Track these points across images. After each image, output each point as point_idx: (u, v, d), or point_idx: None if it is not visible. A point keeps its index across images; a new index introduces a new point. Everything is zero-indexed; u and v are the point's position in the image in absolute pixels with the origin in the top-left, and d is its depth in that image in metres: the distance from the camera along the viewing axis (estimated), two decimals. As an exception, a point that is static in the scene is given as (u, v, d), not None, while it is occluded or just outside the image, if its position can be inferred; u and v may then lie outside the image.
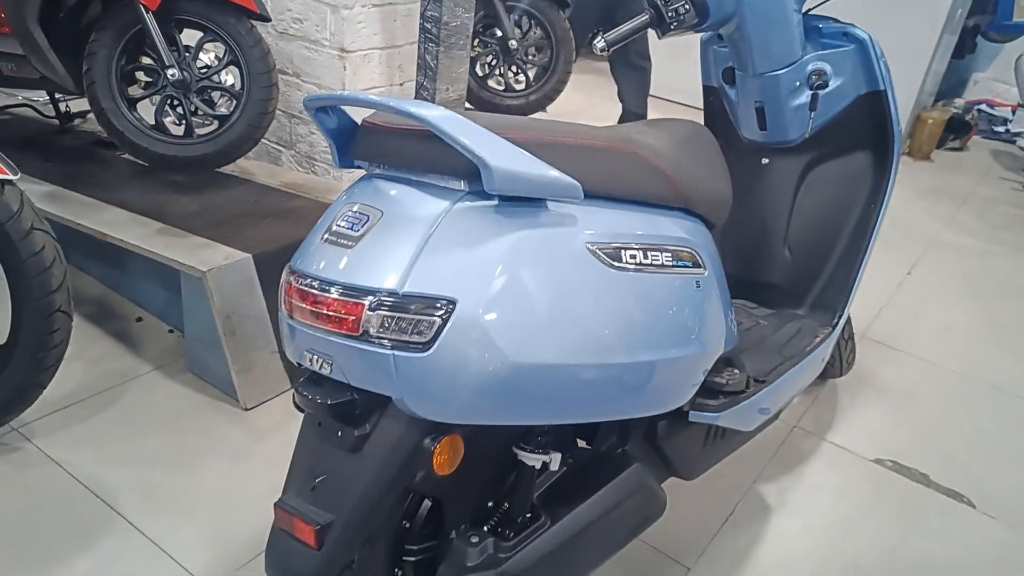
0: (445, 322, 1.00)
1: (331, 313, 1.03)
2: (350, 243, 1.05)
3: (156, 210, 2.17)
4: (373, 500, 1.09)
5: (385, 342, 1.01)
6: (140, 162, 2.41)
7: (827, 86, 1.76)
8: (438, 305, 1.00)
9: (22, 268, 1.58)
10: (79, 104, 2.90)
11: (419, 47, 2.58)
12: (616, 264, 1.14)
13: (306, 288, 1.06)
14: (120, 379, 2.04)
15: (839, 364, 2.23)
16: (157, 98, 2.29)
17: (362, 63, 2.61)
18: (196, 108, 2.29)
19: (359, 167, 1.25)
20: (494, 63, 3.16)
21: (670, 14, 1.63)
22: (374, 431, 1.09)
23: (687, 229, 1.31)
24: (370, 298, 1.01)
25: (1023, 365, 2.55)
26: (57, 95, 2.82)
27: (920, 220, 3.69)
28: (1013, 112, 5.20)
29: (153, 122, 2.28)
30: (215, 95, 2.37)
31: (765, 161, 1.98)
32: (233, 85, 2.35)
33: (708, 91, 2.04)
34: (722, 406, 1.43)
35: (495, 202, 1.07)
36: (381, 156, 1.15)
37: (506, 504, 1.27)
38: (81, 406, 1.92)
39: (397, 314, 1.00)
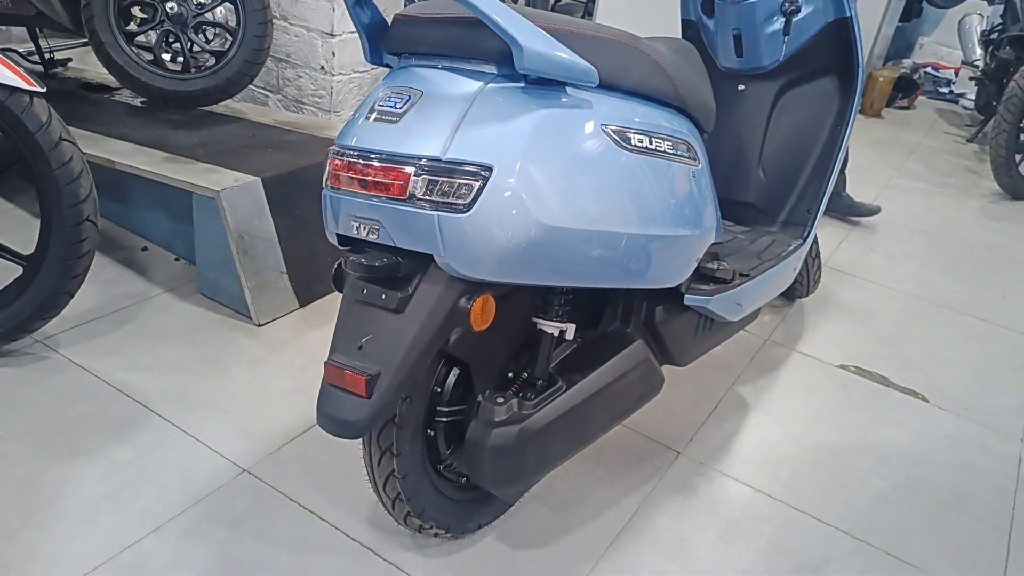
0: (483, 186, 1.13)
1: (380, 180, 1.16)
2: (394, 119, 1.17)
3: (158, 142, 2.24)
4: (417, 353, 1.21)
5: (429, 204, 1.13)
6: (132, 103, 2.47)
7: (800, 11, 1.92)
8: (476, 170, 1.13)
9: (52, 178, 1.65)
10: (61, 55, 2.94)
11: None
12: (626, 146, 1.28)
13: (354, 160, 1.18)
14: (133, 300, 2.12)
15: (807, 282, 2.42)
16: (154, 34, 2.35)
17: (350, 6, 2.69)
18: (192, 44, 2.36)
19: (388, 65, 1.37)
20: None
21: None
22: (415, 292, 1.22)
23: (684, 126, 1.46)
24: (415, 164, 1.13)
25: (968, 287, 2.78)
26: (42, 35, 2.84)
27: (874, 167, 3.93)
28: (956, 74, 5.49)
29: (151, 57, 2.34)
30: (211, 32, 2.44)
31: (741, 87, 2.14)
32: (228, 21, 2.42)
33: (687, 24, 2.19)
34: (713, 291, 1.59)
35: (522, 84, 1.20)
36: (415, 45, 1.27)
37: (526, 372, 1.42)
38: (99, 322, 2.01)
39: (440, 178, 1.13)
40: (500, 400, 1.33)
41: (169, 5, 2.27)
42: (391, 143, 1.16)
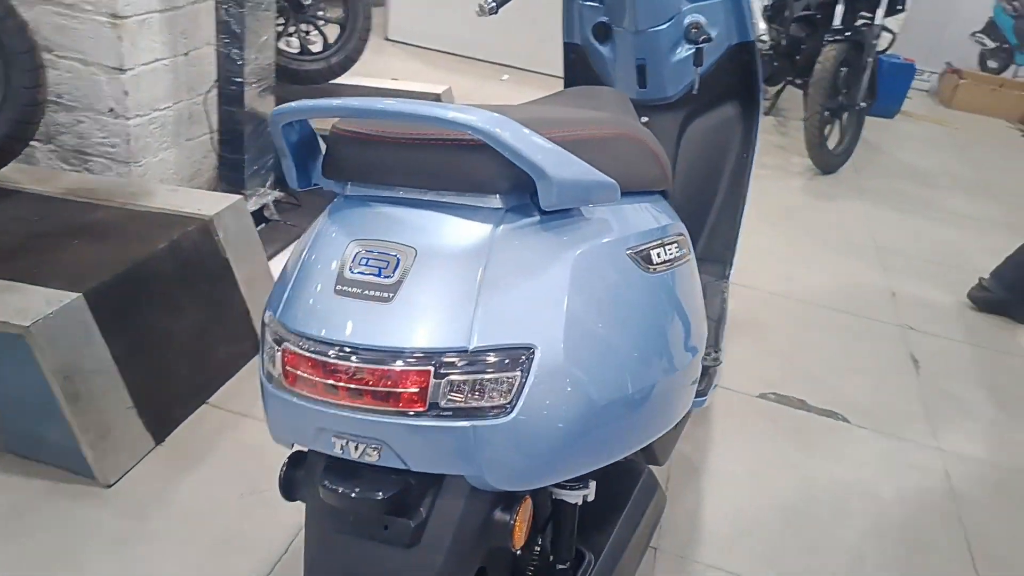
0: (526, 375, 0.83)
1: (384, 388, 0.81)
2: (384, 294, 0.83)
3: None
4: (448, 602, 0.89)
5: (458, 413, 0.81)
6: None
7: (711, 39, 1.74)
8: (515, 356, 0.82)
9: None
10: None
11: (217, 10, 2.17)
12: (650, 268, 1.03)
13: (331, 359, 0.82)
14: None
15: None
16: None
17: (140, 30, 2.14)
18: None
19: (325, 187, 0.99)
20: (284, 23, 2.78)
21: None
22: (431, 515, 0.89)
23: (670, 212, 1.23)
24: (435, 362, 0.80)
25: (827, 278, 2.87)
26: None
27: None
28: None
29: None
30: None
31: (644, 120, 1.95)
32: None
33: (570, 48, 1.95)
34: (707, 387, 1.40)
35: (536, 217, 0.90)
36: (375, 173, 0.92)
37: (537, 548, 1.14)
38: None
39: (471, 376, 0.81)
40: (529, 605, 1.05)
41: None
42: (390, 334, 0.81)
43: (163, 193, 1.99)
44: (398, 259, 0.84)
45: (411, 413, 0.81)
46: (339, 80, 2.85)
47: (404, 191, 0.90)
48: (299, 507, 1.56)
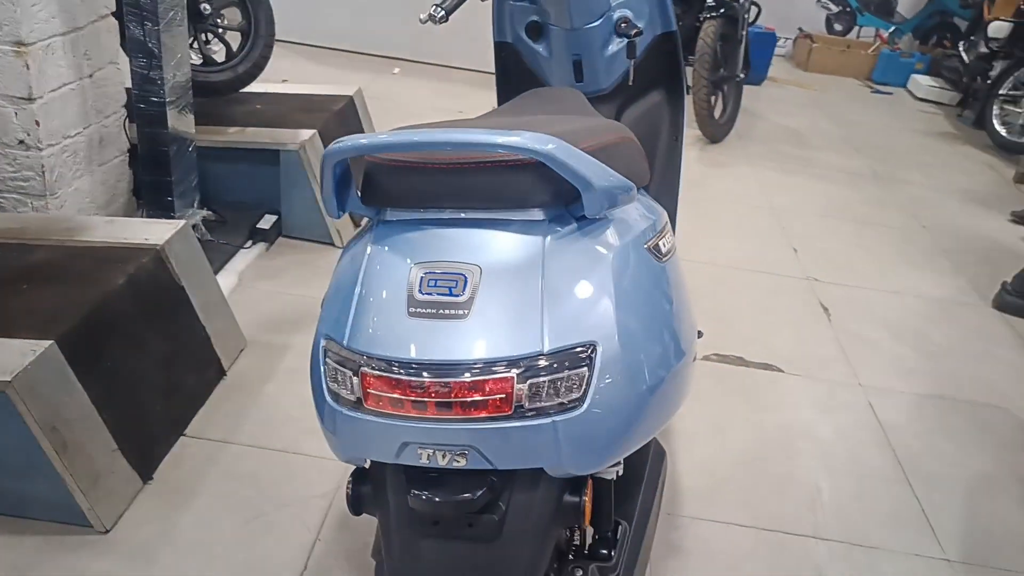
0: (592, 369, 0.91)
1: (474, 398, 0.87)
2: (460, 311, 0.89)
3: None
4: (533, 576, 0.97)
5: (541, 411, 0.89)
6: None
7: (641, 32, 1.86)
8: (581, 354, 0.91)
9: None
10: None
11: (128, 29, 2.08)
12: (661, 258, 1.13)
13: (421, 378, 0.87)
14: None
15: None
16: None
17: (45, 56, 2.03)
18: None
19: (360, 213, 1.03)
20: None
21: None
22: (509, 509, 0.96)
23: (655, 205, 1.33)
24: (518, 368, 0.87)
25: (735, 243, 3.10)
26: None
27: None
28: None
29: None
30: None
31: (586, 112, 2.05)
32: None
33: (501, 47, 2.02)
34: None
35: (574, 225, 0.98)
36: (417, 198, 0.97)
37: (578, 528, 1.23)
38: None
39: (549, 376, 0.89)
40: (580, 573, 1.14)
41: None
42: (472, 347, 0.88)
43: (100, 225, 1.92)
44: (465, 278, 0.90)
45: (499, 417, 0.88)
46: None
47: (451, 212, 0.95)
48: (310, 523, 1.59)
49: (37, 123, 2.04)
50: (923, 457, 2.06)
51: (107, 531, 1.54)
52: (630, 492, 1.28)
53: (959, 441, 2.14)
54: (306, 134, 2.56)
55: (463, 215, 0.95)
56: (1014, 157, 4.33)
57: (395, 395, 0.88)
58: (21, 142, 2.06)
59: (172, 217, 2.27)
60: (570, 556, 1.20)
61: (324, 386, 0.97)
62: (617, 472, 1.20)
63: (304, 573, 1.52)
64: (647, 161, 1.31)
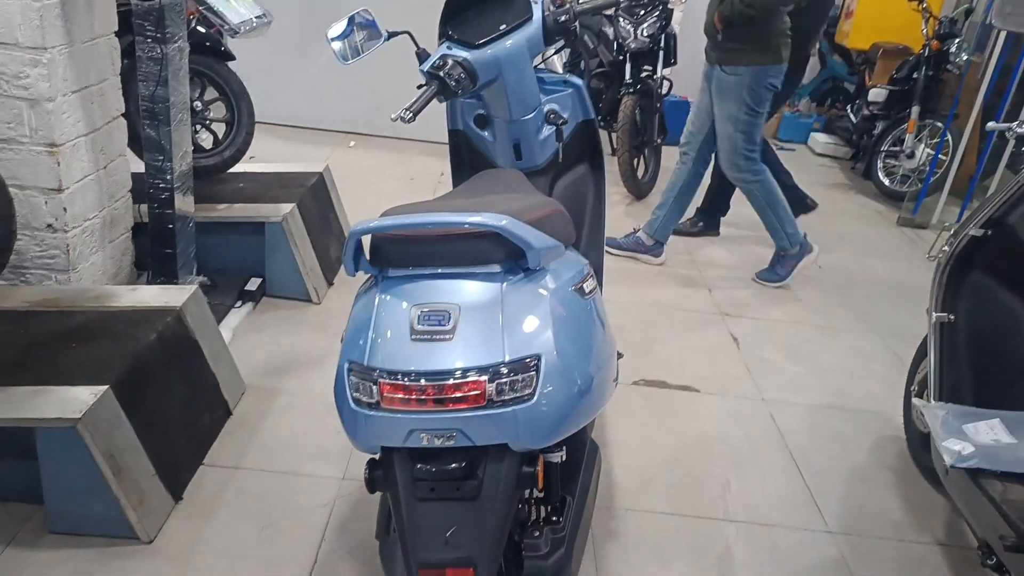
0: (537, 373, 1.34)
1: (459, 395, 1.28)
2: (447, 336, 1.31)
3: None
4: (505, 527, 1.38)
5: (504, 403, 1.31)
6: None
7: (567, 121, 2.34)
8: (531, 362, 1.33)
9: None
10: None
11: (143, 130, 2.48)
12: (585, 296, 1.57)
13: (420, 383, 1.28)
14: (-30, 574, 1.74)
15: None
16: None
17: (72, 154, 2.41)
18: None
19: (368, 272, 1.44)
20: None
21: (452, 83, 1.99)
22: (485, 476, 1.37)
23: (580, 257, 1.78)
24: (487, 373, 1.29)
25: (658, 286, 3.59)
26: None
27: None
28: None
29: None
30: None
31: (522, 185, 2.51)
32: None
33: (454, 133, 2.47)
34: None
35: (523, 275, 1.42)
36: (411, 259, 1.39)
37: (532, 503, 1.63)
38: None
39: (509, 378, 1.31)
40: (537, 535, 1.54)
41: None
42: (456, 359, 1.29)
43: (124, 293, 2.28)
44: (450, 313, 1.32)
45: (476, 408, 1.29)
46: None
47: (436, 269, 1.38)
48: (314, 527, 1.95)
49: (65, 210, 2.40)
50: (813, 454, 2.52)
51: (151, 541, 1.88)
52: (573, 473, 1.70)
53: (842, 441, 2.62)
54: (286, 207, 2.97)
55: (445, 270, 1.38)
56: (897, 204, 4.97)
57: (404, 396, 1.29)
58: (49, 226, 2.42)
59: (175, 283, 2.63)
60: (528, 523, 1.60)
61: (348, 396, 1.36)
62: (561, 457, 1.61)
63: (314, 567, 1.88)
64: (573, 226, 1.76)
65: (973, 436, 1.88)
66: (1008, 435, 1.86)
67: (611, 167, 5.09)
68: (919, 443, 2.45)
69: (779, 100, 4.05)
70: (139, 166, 2.66)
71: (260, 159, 3.96)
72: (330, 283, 3.21)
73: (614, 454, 2.40)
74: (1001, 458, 1.79)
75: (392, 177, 4.62)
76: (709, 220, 4.28)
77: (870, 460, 2.53)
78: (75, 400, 1.76)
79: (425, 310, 1.33)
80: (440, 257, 1.38)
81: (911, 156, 4.94)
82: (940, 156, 4.76)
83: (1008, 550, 1.60)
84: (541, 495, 1.62)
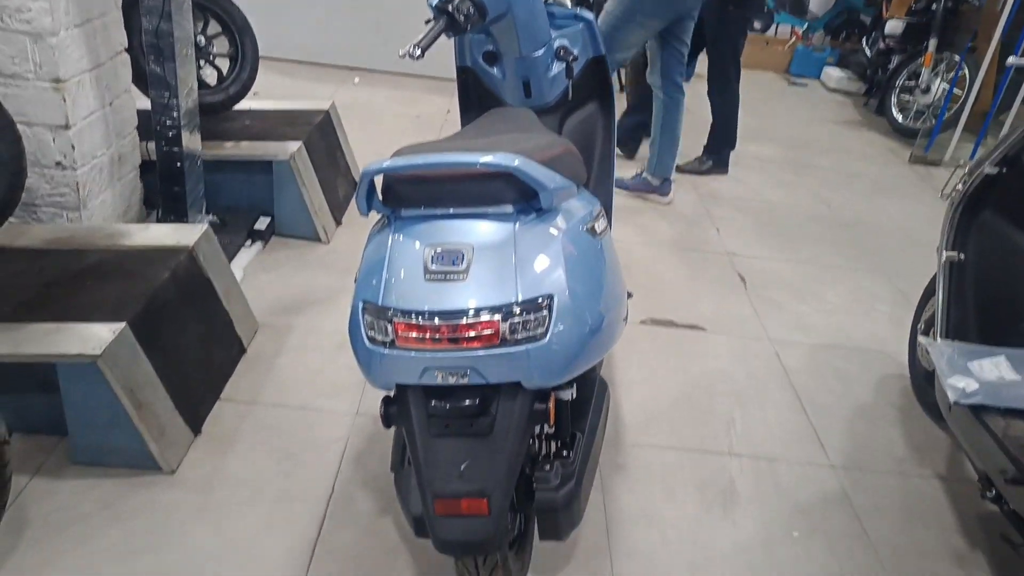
0: (550, 312, 1.36)
1: (473, 334, 1.31)
2: (460, 276, 1.32)
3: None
4: (518, 462, 1.42)
5: (518, 342, 1.33)
6: None
7: (577, 58, 2.30)
8: (544, 302, 1.35)
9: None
10: None
11: (147, 66, 2.45)
12: (595, 236, 1.58)
13: (434, 322, 1.30)
14: (0, 503, 1.80)
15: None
16: None
17: (78, 90, 2.39)
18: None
19: (381, 211, 1.45)
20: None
21: (461, 18, 1.96)
22: (497, 414, 1.40)
23: (592, 197, 1.78)
24: (501, 313, 1.31)
25: (666, 225, 3.58)
26: None
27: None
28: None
29: None
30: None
31: (534, 123, 2.49)
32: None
33: (463, 70, 2.44)
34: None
35: (535, 215, 1.42)
36: (424, 200, 1.39)
37: (543, 439, 1.67)
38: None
39: (522, 317, 1.33)
40: (548, 468, 1.59)
41: None
42: (470, 298, 1.31)
43: (137, 232, 2.29)
44: (463, 253, 1.33)
45: (490, 347, 1.31)
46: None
47: (454, 209, 1.38)
48: (330, 460, 2.00)
49: (73, 147, 2.40)
50: (817, 392, 2.56)
51: (173, 472, 1.94)
52: (582, 411, 1.73)
53: (847, 379, 2.65)
54: (293, 146, 2.95)
55: (458, 211, 1.39)
56: (909, 141, 4.91)
57: (418, 335, 1.31)
58: (58, 163, 2.42)
59: (185, 222, 2.64)
60: (539, 458, 1.64)
61: (363, 335, 1.38)
62: (572, 394, 1.65)
63: (331, 498, 1.94)
64: (585, 165, 1.75)
65: (978, 373, 1.91)
66: (1013, 372, 1.89)
67: (619, 105, 5.04)
68: (923, 381, 2.48)
69: (734, 26, 3.98)
70: (144, 103, 2.65)
71: (263, 95, 3.93)
72: (338, 222, 3.22)
73: (622, 392, 2.44)
74: (1005, 395, 1.82)
75: (398, 115, 4.57)
76: (717, 158, 4.25)
77: (873, 397, 2.57)
78: (94, 337, 1.80)
79: (438, 250, 1.34)
80: (453, 197, 1.38)
81: (926, 91, 4.87)
82: (956, 91, 4.68)
83: (1008, 483, 1.65)
84: (552, 431, 1.66)
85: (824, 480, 2.19)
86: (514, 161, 1.31)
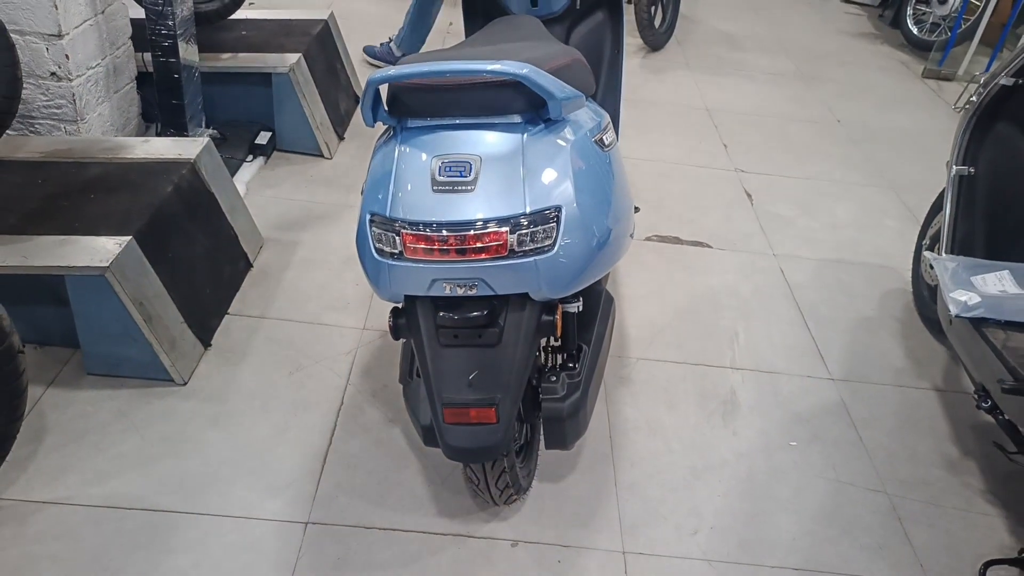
0: (558, 224, 1.35)
1: (481, 245, 1.31)
2: (469, 187, 1.31)
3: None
4: (525, 372, 1.44)
5: (526, 253, 1.33)
6: None
7: None
8: (552, 214, 1.34)
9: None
10: None
11: (140, -30, 2.37)
12: (604, 148, 1.56)
13: (442, 233, 1.30)
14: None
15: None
16: None
17: (70, -5, 2.32)
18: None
19: (387, 123, 1.43)
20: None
21: None
22: (505, 325, 1.42)
23: (600, 109, 1.75)
24: (509, 224, 1.31)
25: (673, 140, 3.54)
26: None
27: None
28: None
29: None
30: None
31: (542, 32, 2.42)
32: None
33: (472, -22, 2.37)
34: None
35: (543, 125, 1.40)
36: (430, 110, 1.37)
37: (550, 351, 1.69)
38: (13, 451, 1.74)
39: (530, 229, 1.32)
40: (554, 379, 1.61)
41: None
42: (478, 210, 1.30)
43: (138, 145, 2.27)
44: (471, 164, 1.32)
45: (498, 258, 1.32)
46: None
47: (461, 119, 1.36)
48: (339, 372, 2.03)
49: (67, 57, 2.34)
50: (820, 306, 2.58)
51: (185, 383, 1.98)
52: (588, 323, 1.75)
53: (850, 293, 2.67)
54: (292, 58, 2.88)
55: (465, 121, 1.36)
56: (923, 55, 4.78)
57: (426, 246, 1.31)
58: (53, 74, 2.37)
59: (185, 135, 2.61)
60: (546, 369, 1.67)
61: (371, 247, 1.38)
62: (578, 307, 1.66)
63: (341, 407, 1.98)
64: (593, 75, 1.71)
65: (980, 287, 1.92)
66: (1016, 286, 1.89)
67: (627, 16, 4.89)
68: (925, 295, 2.50)
69: None
70: (138, 12, 2.57)
71: (259, 4, 3.82)
72: (341, 138, 3.17)
73: (627, 306, 2.46)
74: (1006, 308, 1.83)
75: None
76: None
77: (876, 311, 2.59)
78: (101, 249, 1.80)
79: (446, 161, 1.32)
80: (460, 106, 1.36)
81: (943, 1, 4.71)
82: (973, 1, 4.53)
83: (1005, 392, 1.67)
84: (558, 343, 1.68)
85: (823, 391, 2.23)
86: (523, 69, 1.28)
